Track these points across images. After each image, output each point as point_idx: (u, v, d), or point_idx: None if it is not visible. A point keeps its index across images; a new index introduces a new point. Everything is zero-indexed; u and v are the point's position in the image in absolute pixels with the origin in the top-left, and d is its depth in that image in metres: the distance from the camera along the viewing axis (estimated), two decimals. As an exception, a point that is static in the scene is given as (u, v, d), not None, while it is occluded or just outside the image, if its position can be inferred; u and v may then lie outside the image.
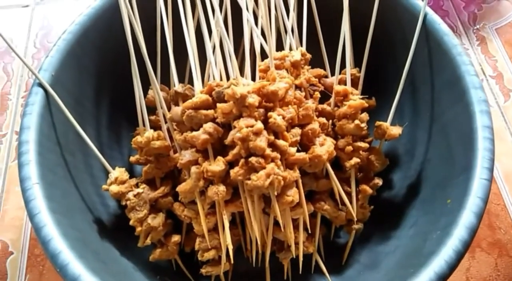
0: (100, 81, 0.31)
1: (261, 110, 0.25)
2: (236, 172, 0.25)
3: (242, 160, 0.25)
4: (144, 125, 0.30)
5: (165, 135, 0.29)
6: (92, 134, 0.31)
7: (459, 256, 0.21)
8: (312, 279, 0.30)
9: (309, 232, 0.29)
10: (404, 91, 0.31)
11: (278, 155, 0.25)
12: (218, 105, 0.26)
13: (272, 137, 0.25)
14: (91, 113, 0.31)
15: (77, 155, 0.29)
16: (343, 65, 0.31)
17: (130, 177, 0.29)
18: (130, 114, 0.31)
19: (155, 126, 0.30)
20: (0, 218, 0.35)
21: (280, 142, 0.25)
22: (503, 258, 0.32)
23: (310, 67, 0.31)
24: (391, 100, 0.30)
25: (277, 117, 0.25)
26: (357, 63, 0.32)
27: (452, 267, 0.21)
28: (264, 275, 0.30)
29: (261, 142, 0.24)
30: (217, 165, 0.25)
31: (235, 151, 0.25)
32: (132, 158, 0.29)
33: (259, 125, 0.24)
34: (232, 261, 0.29)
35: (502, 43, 0.41)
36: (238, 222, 0.30)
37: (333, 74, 0.32)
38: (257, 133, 0.24)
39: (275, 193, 0.25)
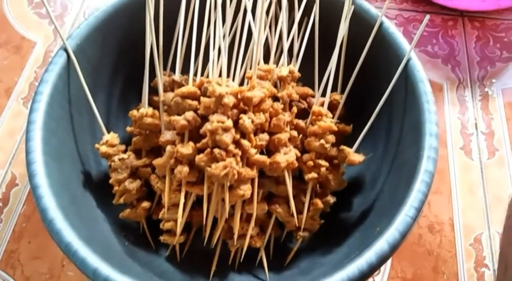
0: (119, 57, 0.36)
1: (235, 111, 0.29)
2: (200, 158, 0.28)
3: (208, 150, 0.29)
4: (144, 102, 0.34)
5: (161, 115, 0.34)
6: (103, 101, 0.36)
7: (362, 275, 0.24)
8: (254, 271, 0.33)
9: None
10: (381, 126, 0.34)
11: (240, 153, 0.29)
12: (202, 98, 0.30)
13: (238, 136, 0.29)
14: (105, 83, 0.36)
15: (84, 115, 0.34)
16: (332, 90, 0.34)
17: (127, 146, 0.34)
18: (140, 91, 0.35)
19: (157, 106, 0.35)
20: (17, 154, 0.41)
21: (244, 142, 0.29)
22: (438, 301, 0.34)
23: (299, 84, 0.35)
24: (371, 132, 0.33)
25: (246, 120, 0.29)
26: (344, 91, 0.35)
27: (352, 281, 0.24)
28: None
29: (227, 138, 0.28)
30: (187, 148, 0.29)
31: (204, 140, 0.29)
32: (128, 128, 0.34)
33: (229, 123, 0.28)
34: (188, 236, 0.34)
35: (504, 103, 0.42)
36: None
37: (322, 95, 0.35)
38: (225, 129, 0.28)
39: (228, 184, 0.28)
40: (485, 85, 0.44)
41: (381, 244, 0.25)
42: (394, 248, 0.25)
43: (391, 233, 0.25)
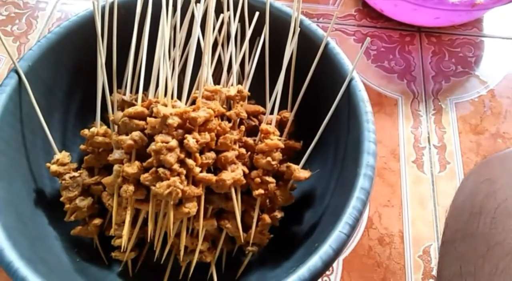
0: (75, 76, 0.37)
1: (181, 130, 0.30)
2: (145, 177, 0.29)
3: (153, 169, 0.29)
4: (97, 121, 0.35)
5: (112, 134, 0.34)
6: (59, 119, 0.37)
7: (295, 290, 0.25)
8: (205, 285, 0.34)
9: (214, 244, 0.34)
10: (330, 143, 0.35)
11: (184, 171, 0.29)
12: (148, 118, 0.30)
13: (182, 155, 0.29)
14: (61, 101, 0.37)
15: (38, 133, 0.34)
16: (282, 108, 0.35)
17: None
18: (98, 109, 0.36)
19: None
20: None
21: (189, 161, 0.29)
22: (387, 312, 0.35)
23: (252, 102, 0.36)
24: (321, 148, 0.34)
25: (190, 140, 0.29)
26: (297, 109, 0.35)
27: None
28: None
29: (171, 157, 0.29)
30: (132, 168, 0.30)
31: (150, 160, 0.29)
32: (81, 146, 0.35)
33: (173, 143, 0.29)
34: (142, 251, 0.34)
35: (457, 117, 0.44)
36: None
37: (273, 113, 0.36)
38: (169, 149, 0.29)
39: (172, 203, 0.29)
40: (439, 100, 0.45)
41: (314, 261, 0.26)
42: (327, 264, 0.26)
43: (325, 250, 0.26)
